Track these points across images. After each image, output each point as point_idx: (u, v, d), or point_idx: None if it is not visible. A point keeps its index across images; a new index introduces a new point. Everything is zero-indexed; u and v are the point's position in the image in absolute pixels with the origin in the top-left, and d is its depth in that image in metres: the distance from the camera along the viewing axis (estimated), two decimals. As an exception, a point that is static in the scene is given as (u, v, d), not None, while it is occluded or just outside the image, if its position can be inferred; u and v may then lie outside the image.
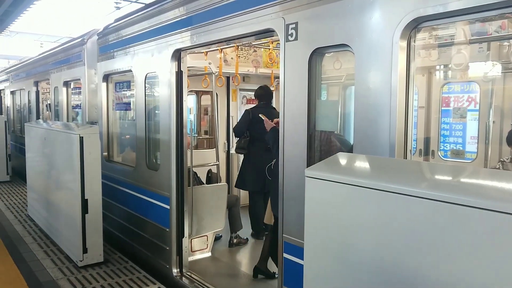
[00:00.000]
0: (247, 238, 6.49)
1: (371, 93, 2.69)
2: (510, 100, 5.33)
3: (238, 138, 6.77)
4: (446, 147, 6.11)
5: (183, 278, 4.97)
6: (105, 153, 6.70)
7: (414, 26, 2.51)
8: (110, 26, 6.47)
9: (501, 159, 4.84)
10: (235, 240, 6.33)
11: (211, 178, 6.84)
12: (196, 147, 7.93)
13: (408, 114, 2.62)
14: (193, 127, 7.46)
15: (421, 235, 1.74)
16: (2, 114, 15.05)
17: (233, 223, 6.30)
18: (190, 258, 5.33)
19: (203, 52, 5.81)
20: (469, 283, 1.60)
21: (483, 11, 2.29)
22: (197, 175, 6.11)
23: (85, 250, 5.22)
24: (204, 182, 6.49)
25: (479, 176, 2.21)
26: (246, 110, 6.68)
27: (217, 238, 6.39)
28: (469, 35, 4.26)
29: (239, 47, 6.20)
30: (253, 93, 8.88)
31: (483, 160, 5.40)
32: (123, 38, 5.96)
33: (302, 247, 2.31)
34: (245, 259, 6.04)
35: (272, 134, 4.54)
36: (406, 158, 2.65)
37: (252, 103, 8.97)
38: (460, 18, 2.46)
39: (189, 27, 4.51)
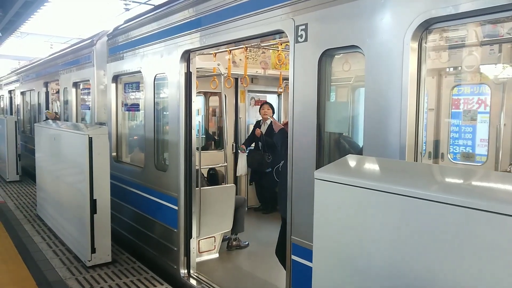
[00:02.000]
0: (247, 243, 6.45)
1: (382, 95, 2.67)
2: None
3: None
4: (456, 150, 6.06)
5: (191, 279, 4.97)
6: (114, 154, 6.74)
7: (426, 27, 2.49)
8: (120, 27, 6.51)
9: (512, 162, 4.78)
10: (234, 243, 6.29)
11: (215, 176, 6.83)
12: (204, 148, 7.95)
13: (419, 116, 2.59)
14: (201, 128, 7.51)
15: (432, 239, 1.72)
16: (12, 115, 15.19)
17: (236, 225, 6.21)
18: (198, 259, 5.33)
19: (212, 54, 5.82)
20: (482, 287, 1.58)
21: (495, 13, 2.27)
22: (204, 176, 6.12)
23: (93, 250, 5.25)
24: (207, 180, 6.50)
25: (491, 179, 2.18)
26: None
27: (225, 239, 6.38)
28: (481, 36, 4.22)
29: (248, 48, 6.20)
30: (262, 95, 8.97)
31: (493, 163, 5.33)
32: (133, 39, 5.99)
33: (311, 249, 2.29)
34: (252, 261, 6.02)
35: (280, 135, 4.53)
36: (416, 161, 2.63)
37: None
38: (471, 19, 2.43)
39: (198, 28, 4.52)
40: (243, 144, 8.01)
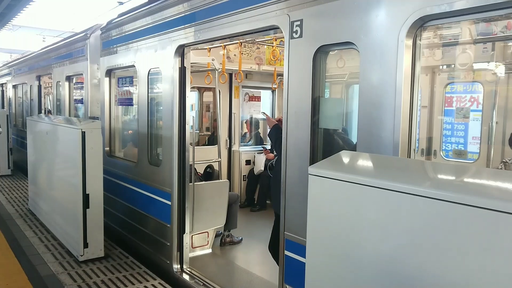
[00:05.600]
0: (241, 238, 6.45)
1: (376, 92, 2.68)
2: (513, 101, 5.31)
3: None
4: (448, 147, 6.11)
5: (184, 274, 4.97)
6: (107, 148, 6.70)
7: (420, 24, 2.50)
8: (113, 21, 6.46)
9: (504, 160, 4.83)
10: (227, 239, 6.29)
11: (212, 174, 6.83)
12: (198, 144, 7.94)
13: (413, 113, 2.61)
14: (194, 124, 7.50)
15: (424, 234, 1.74)
16: (4, 108, 15.07)
17: (229, 221, 6.21)
18: (191, 254, 5.34)
19: (206, 49, 5.81)
20: (471, 282, 1.60)
21: (489, 11, 2.28)
22: (196, 170, 6.11)
23: (86, 245, 5.23)
24: (203, 178, 6.49)
25: (482, 176, 2.21)
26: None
27: (218, 235, 6.39)
28: (474, 35, 4.25)
29: (243, 44, 6.19)
30: (256, 91, 8.99)
31: (485, 161, 5.38)
32: (127, 33, 5.95)
33: (304, 244, 2.31)
34: (245, 256, 6.04)
35: (274, 131, 4.54)
36: (409, 157, 2.65)
37: (254, 101, 8.99)
38: (466, 17, 2.45)
39: (193, 23, 4.50)
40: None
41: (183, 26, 4.67)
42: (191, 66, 5.18)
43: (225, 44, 5.67)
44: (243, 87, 8.61)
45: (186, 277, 4.92)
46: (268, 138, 7.84)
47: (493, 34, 4.36)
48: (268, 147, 8.50)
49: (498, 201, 1.53)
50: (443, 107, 5.96)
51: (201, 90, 8.54)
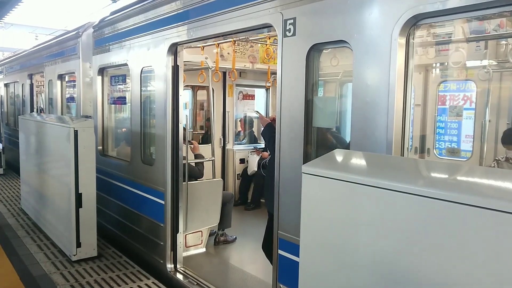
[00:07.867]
0: (235, 237, 6.44)
1: (369, 90, 2.68)
2: (506, 99, 5.34)
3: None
4: (441, 145, 6.13)
5: (177, 273, 4.95)
6: (100, 147, 6.66)
7: (414, 23, 2.49)
8: (106, 19, 6.42)
9: (496, 158, 4.85)
10: (221, 238, 6.28)
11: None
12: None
13: (406, 112, 2.61)
14: (188, 122, 7.47)
15: (418, 233, 1.73)
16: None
17: (223, 220, 6.19)
18: (185, 254, 5.31)
19: (199, 47, 5.78)
20: (465, 281, 1.60)
21: (482, 9, 2.28)
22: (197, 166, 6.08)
23: (78, 245, 5.19)
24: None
25: (475, 174, 2.21)
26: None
27: (212, 234, 6.37)
28: (467, 33, 4.26)
29: (236, 42, 6.16)
30: (250, 89, 8.97)
31: (478, 159, 5.41)
32: (119, 31, 5.91)
33: (298, 244, 2.30)
34: (239, 255, 6.03)
35: (268, 130, 4.53)
36: (403, 156, 2.64)
37: (248, 99, 8.97)
38: (459, 15, 2.45)
39: (186, 21, 4.47)
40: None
41: (176, 24, 4.64)
42: (184, 65, 5.15)
43: (218, 42, 5.64)
44: (237, 85, 8.58)
45: (179, 276, 4.90)
46: (261, 137, 7.83)
47: (486, 32, 4.37)
48: (260, 146, 8.49)
49: (492, 200, 1.53)
50: (436, 106, 5.98)
51: (194, 88, 8.51)
